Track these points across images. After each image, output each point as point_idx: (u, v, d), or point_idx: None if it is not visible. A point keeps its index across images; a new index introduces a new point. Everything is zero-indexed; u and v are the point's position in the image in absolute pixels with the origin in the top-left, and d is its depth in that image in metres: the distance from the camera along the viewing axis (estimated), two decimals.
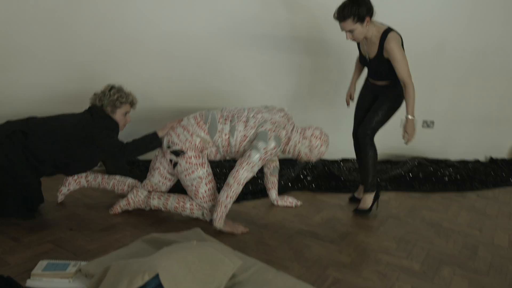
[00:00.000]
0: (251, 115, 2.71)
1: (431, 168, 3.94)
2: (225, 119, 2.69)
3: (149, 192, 2.77)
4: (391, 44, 2.72)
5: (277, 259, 2.34)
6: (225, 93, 3.89)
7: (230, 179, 2.56)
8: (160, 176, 2.77)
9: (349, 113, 4.18)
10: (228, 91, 3.88)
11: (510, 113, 4.73)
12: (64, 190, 2.84)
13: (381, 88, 3.05)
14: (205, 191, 2.65)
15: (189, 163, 2.61)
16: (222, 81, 3.87)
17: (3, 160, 2.42)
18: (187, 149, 2.62)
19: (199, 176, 2.62)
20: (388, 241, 2.68)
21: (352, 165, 4.04)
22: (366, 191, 3.04)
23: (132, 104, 2.77)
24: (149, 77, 3.63)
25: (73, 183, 2.86)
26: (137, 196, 2.75)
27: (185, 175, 2.63)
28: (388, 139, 4.40)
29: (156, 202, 2.73)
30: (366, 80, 3.19)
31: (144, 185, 2.81)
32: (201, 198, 2.65)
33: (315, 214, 3.00)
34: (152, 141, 2.67)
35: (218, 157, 2.76)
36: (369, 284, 2.17)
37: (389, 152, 4.43)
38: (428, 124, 4.48)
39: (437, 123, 4.53)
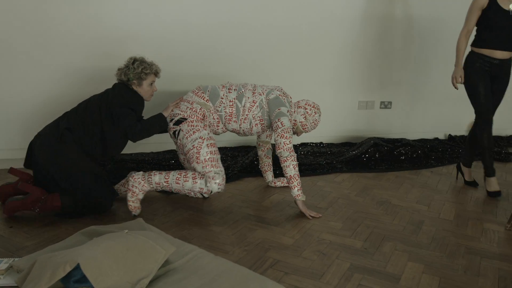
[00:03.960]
0: (257, 85, 2.88)
1: (386, 147, 3.98)
2: (229, 89, 2.81)
3: (145, 172, 2.75)
4: None
5: (219, 244, 2.34)
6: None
7: (284, 152, 2.68)
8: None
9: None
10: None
11: None
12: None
13: (508, 62, 3.10)
14: (207, 153, 2.60)
15: (191, 125, 2.67)
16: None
17: (68, 162, 2.54)
18: (189, 116, 2.69)
19: (200, 137, 2.63)
20: (334, 221, 2.70)
21: (309, 149, 4.05)
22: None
23: (156, 73, 2.76)
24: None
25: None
26: (135, 180, 2.61)
27: (186, 137, 2.65)
28: (347, 122, 4.44)
29: (157, 178, 2.62)
30: (483, 61, 3.09)
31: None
32: (202, 162, 2.59)
33: (265, 198, 3.00)
34: (159, 121, 2.69)
35: (220, 127, 2.82)
36: (307, 264, 2.18)
37: (348, 135, 4.46)
38: (385, 105, 4.51)
39: (395, 104, 4.57)
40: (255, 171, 3.50)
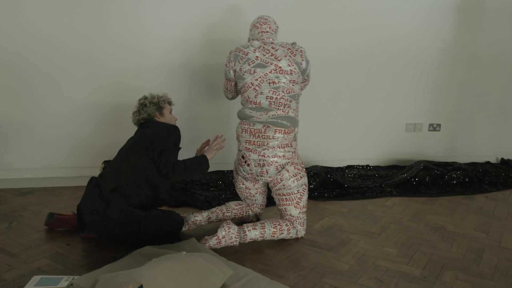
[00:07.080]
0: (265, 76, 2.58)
1: (437, 171, 3.85)
2: (280, 101, 2.56)
3: (240, 225, 2.63)
4: None
5: (273, 268, 2.30)
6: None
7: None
8: (263, 195, 2.84)
9: (349, 122, 4.13)
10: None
11: None
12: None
13: None
14: (306, 200, 2.66)
15: (297, 168, 2.61)
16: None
17: (125, 217, 2.36)
18: (291, 158, 2.60)
19: (305, 183, 2.64)
20: (389, 247, 2.61)
21: (356, 172, 3.98)
22: None
23: (169, 103, 2.76)
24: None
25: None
26: (229, 233, 2.46)
27: (293, 181, 2.59)
28: (394, 145, 4.35)
29: (253, 234, 2.52)
30: None
31: (254, 208, 2.86)
32: (301, 208, 2.63)
33: (316, 222, 2.95)
34: (203, 164, 2.56)
35: None
36: None
37: (395, 158, 4.36)
38: (434, 128, 4.40)
39: (444, 126, 4.45)
40: None
